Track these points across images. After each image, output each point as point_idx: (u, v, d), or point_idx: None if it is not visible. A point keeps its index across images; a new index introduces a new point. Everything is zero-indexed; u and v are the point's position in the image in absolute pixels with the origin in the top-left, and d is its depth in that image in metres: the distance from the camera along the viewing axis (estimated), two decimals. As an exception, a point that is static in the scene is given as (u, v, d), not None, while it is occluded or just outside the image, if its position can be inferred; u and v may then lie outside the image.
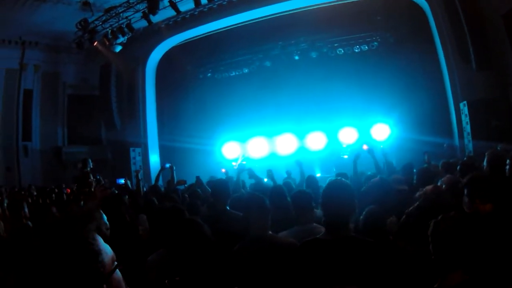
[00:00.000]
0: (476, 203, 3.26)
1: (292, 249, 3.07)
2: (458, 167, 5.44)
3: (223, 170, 10.00)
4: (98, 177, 9.97)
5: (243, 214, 3.61)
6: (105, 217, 4.98)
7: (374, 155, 7.30)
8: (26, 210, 5.63)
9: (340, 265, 2.64)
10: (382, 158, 7.71)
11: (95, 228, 3.86)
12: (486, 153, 5.27)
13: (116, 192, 8.71)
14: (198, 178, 7.22)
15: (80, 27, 13.57)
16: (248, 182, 7.38)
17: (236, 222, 3.93)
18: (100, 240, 1.71)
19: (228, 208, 4.52)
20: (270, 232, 3.43)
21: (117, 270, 2.11)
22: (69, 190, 10.38)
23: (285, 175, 9.37)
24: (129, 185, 7.64)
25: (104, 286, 1.52)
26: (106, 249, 1.74)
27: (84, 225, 3.56)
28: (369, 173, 6.78)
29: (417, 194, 4.05)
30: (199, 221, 2.55)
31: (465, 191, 3.36)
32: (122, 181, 11.17)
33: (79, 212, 4.94)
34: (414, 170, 5.82)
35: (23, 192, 11.07)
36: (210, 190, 6.69)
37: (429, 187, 4.04)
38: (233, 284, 2.80)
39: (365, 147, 8.21)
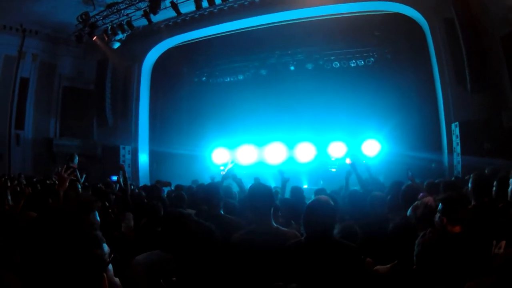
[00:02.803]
0: (444, 222, 3.41)
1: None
2: (441, 187, 5.40)
3: (222, 170, 9.85)
4: (84, 176, 9.98)
5: (247, 205, 3.68)
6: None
7: (356, 169, 7.17)
8: (9, 197, 5.60)
9: (320, 267, 2.89)
10: (366, 173, 7.51)
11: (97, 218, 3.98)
12: (471, 175, 5.11)
13: (103, 187, 8.71)
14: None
15: (80, 20, 13.65)
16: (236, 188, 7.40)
17: (231, 226, 3.95)
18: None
19: (222, 212, 4.48)
20: (274, 224, 3.51)
21: (111, 266, 2.13)
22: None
23: (271, 183, 9.35)
24: (121, 182, 7.60)
25: (104, 274, 1.54)
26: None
27: (86, 213, 3.55)
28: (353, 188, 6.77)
29: None
30: (210, 226, 2.53)
31: (439, 208, 3.55)
32: (115, 178, 11.14)
33: (77, 201, 5.08)
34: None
35: (15, 181, 11.02)
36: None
37: None
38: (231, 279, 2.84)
39: (348, 161, 8.07)
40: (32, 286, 1.38)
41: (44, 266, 1.37)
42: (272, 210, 3.49)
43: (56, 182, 7.41)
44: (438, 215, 3.50)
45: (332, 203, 3.27)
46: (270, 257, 3.13)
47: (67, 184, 5.24)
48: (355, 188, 6.82)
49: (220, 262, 2.36)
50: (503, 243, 3.13)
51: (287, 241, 3.28)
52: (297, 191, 6.57)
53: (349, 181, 6.93)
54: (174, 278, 2.30)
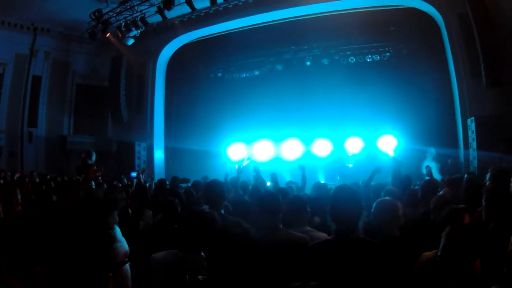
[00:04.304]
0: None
1: (303, 244, 3.24)
2: (464, 185, 5.28)
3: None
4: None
5: (257, 209, 3.61)
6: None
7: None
8: (19, 196, 5.58)
9: (348, 266, 2.75)
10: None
11: (116, 216, 3.87)
12: (490, 169, 5.28)
13: (120, 185, 8.72)
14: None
15: (94, 17, 13.59)
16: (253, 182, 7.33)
17: (230, 227, 3.80)
18: (119, 232, 1.65)
19: (222, 211, 4.35)
20: (281, 226, 3.53)
21: (127, 267, 2.05)
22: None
23: (288, 179, 9.41)
24: (141, 179, 7.55)
25: (110, 274, 1.50)
26: (122, 242, 1.68)
27: (108, 212, 3.55)
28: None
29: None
30: (248, 228, 2.45)
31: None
32: (134, 174, 11.12)
33: (104, 199, 5.00)
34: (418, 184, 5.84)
35: (26, 179, 11.01)
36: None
37: None
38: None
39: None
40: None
41: (51, 259, 1.35)
42: (280, 215, 3.53)
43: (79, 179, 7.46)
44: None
45: (356, 189, 3.21)
46: (277, 259, 3.10)
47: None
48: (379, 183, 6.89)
49: (253, 264, 2.28)
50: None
51: (292, 243, 3.31)
52: (321, 187, 6.57)
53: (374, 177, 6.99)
54: (200, 277, 2.27)
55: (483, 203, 3.59)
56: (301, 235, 3.48)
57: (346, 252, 2.81)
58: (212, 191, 4.42)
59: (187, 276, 2.23)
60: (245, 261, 2.19)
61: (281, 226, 3.54)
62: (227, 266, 2.18)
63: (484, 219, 3.55)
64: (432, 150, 8.98)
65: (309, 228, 3.89)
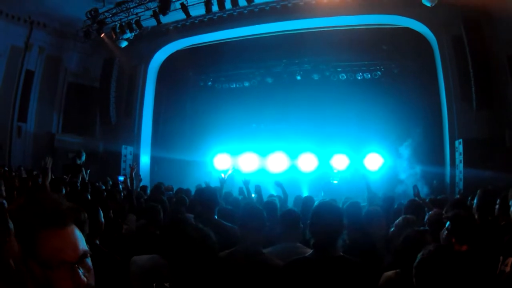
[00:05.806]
0: (452, 241, 3.35)
1: (276, 272, 3.10)
2: (448, 204, 5.31)
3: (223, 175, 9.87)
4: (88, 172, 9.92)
5: (238, 225, 3.55)
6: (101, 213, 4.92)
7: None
8: (3, 188, 5.55)
9: (327, 284, 2.72)
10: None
11: None
12: (478, 191, 5.15)
13: (103, 187, 8.65)
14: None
15: (90, 16, 13.66)
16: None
17: (223, 232, 3.86)
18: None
19: (216, 217, 4.45)
20: (261, 249, 3.42)
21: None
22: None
23: (272, 192, 9.45)
24: (128, 183, 7.60)
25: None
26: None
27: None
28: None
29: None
30: (208, 232, 2.42)
31: (446, 226, 3.49)
32: (122, 178, 11.13)
33: None
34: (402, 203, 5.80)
35: (13, 173, 11.01)
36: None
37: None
38: None
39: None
40: None
41: None
42: (261, 232, 3.41)
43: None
44: (445, 232, 3.47)
45: (338, 206, 3.20)
46: (253, 278, 3.06)
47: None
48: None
49: (213, 271, 2.29)
50: (510, 260, 3.08)
51: (268, 262, 3.20)
52: (309, 202, 6.49)
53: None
54: (167, 284, 2.26)
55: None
56: (278, 263, 3.25)
57: (324, 270, 2.76)
58: (205, 197, 4.56)
59: (154, 284, 2.26)
60: (200, 266, 2.18)
61: (261, 248, 3.41)
62: (184, 271, 2.18)
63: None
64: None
65: (299, 245, 3.74)
